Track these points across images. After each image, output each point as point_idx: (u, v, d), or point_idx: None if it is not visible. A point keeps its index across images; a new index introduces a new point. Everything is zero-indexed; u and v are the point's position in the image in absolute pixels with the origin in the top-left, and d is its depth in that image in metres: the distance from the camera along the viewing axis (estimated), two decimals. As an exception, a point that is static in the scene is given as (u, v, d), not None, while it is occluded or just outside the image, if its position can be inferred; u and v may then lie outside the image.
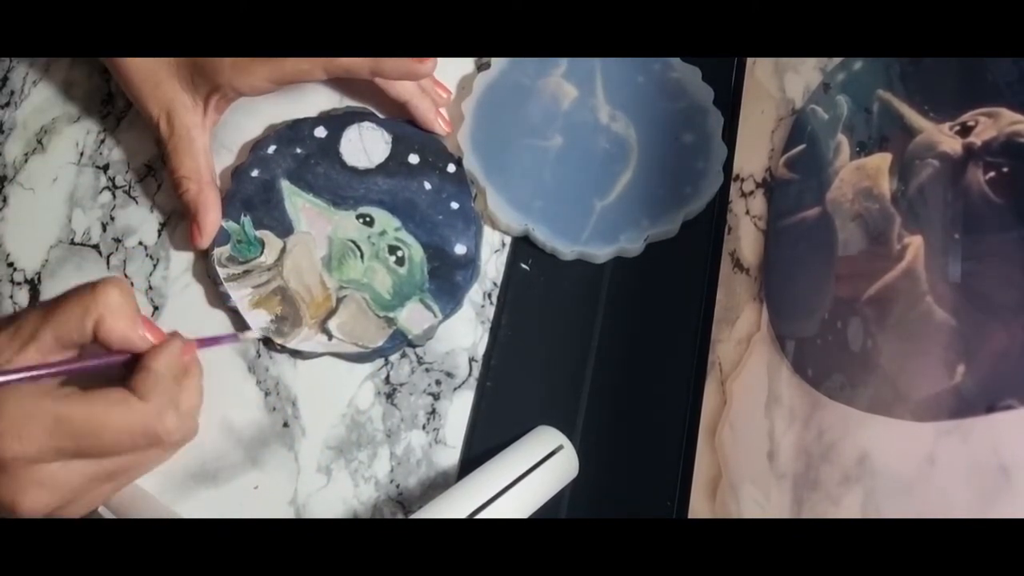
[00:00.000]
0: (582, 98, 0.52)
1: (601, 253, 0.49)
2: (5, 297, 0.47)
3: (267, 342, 0.46)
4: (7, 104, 0.51)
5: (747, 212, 0.49)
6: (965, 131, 0.37)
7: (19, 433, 0.34)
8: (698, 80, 0.53)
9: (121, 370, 0.38)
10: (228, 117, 0.49)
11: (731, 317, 0.47)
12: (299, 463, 0.45)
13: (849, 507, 0.36)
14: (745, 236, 0.48)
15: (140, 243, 0.49)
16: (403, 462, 0.45)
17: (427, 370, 0.47)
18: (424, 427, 0.46)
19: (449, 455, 0.46)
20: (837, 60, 0.47)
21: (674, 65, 0.53)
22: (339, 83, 0.52)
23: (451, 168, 0.50)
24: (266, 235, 0.48)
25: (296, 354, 0.46)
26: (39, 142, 0.50)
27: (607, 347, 0.48)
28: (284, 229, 0.48)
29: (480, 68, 0.54)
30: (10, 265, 0.48)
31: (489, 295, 0.49)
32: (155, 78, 0.46)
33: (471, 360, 0.48)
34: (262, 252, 0.47)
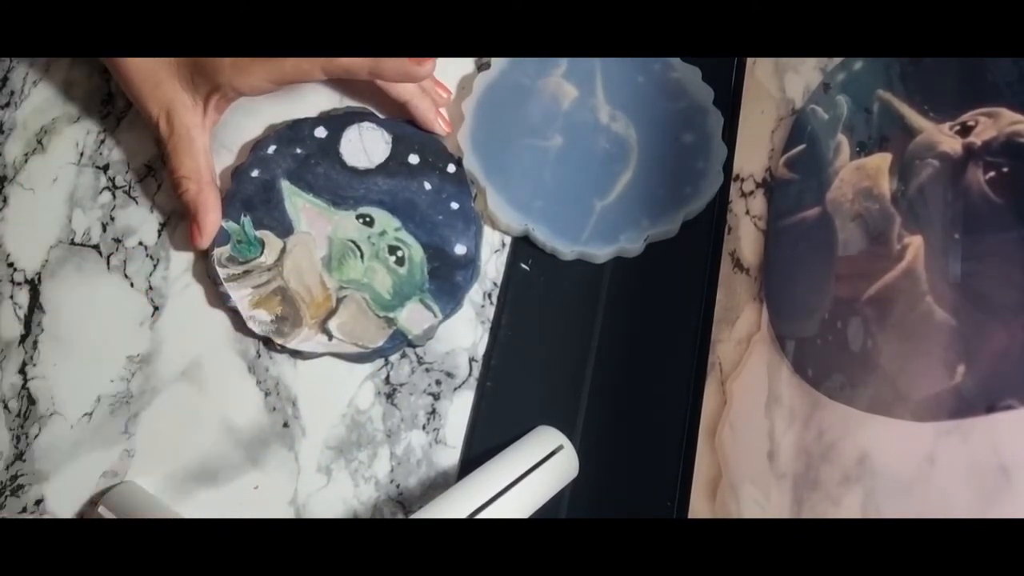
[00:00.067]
0: (582, 98, 0.52)
1: (601, 253, 0.49)
2: (5, 297, 0.47)
3: (267, 342, 0.46)
4: (7, 104, 0.51)
5: (747, 212, 0.49)
6: (965, 131, 0.37)
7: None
8: (698, 80, 0.53)
9: None
10: (228, 117, 0.49)
11: (731, 317, 0.47)
12: (299, 463, 0.45)
13: (849, 507, 0.36)
14: (745, 236, 0.48)
15: (140, 243, 0.49)
16: (403, 462, 0.45)
17: (427, 370, 0.47)
18: (424, 427, 0.46)
19: (449, 455, 0.46)
20: (837, 60, 0.47)
21: (674, 65, 0.53)
22: (339, 83, 0.52)
23: (451, 168, 0.50)
24: (266, 235, 0.48)
25: (296, 354, 0.46)
26: (39, 142, 0.50)
27: (607, 347, 0.48)
28: (284, 229, 0.48)
29: (480, 68, 0.54)
30: (10, 265, 0.48)
31: (489, 295, 0.49)
32: (155, 78, 0.46)
33: (471, 360, 0.48)
34: (262, 252, 0.47)
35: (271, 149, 0.49)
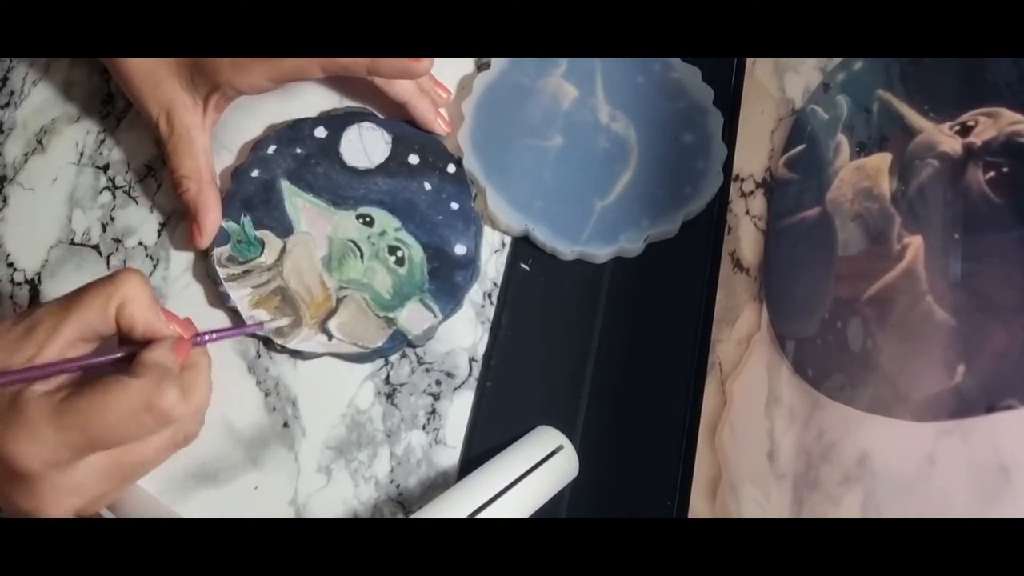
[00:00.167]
0: (582, 98, 0.52)
1: (601, 253, 0.49)
2: (5, 297, 0.47)
3: (267, 342, 0.46)
4: (7, 104, 0.51)
5: (747, 212, 0.49)
6: (965, 131, 0.37)
7: (30, 434, 0.34)
8: (698, 80, 0.53)
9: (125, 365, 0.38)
10: (228, 117, 0.49)
11: (731, 317, 0.47)
12: (299, 463, 0.45)
13: (849, 507, 0.36)
14: (745, 236, 0.48)
15: (140, 243, 0.49)
16: (403, 462, 0.45)
17: (427, 370, 0.47)
18: (424, 427, 0.46)
19: (449, 455, 0.46)
20: (837, 60, 0.47)
21: (674, 65, 0.53)
22: (339, 83, 0.52)
23: (451, 168, 0.50)
24: (266, 235, 0.48)
25: (296, 354, 0.46)
26: (39, 142, 0.50)
27: (607, 347, 0.48)
28: (284, 229, 0.48)
29: (480, 68, 0.54)
30: (10, 265, 0.48)
31: (489, 295, 0.49)
32: (155, 78, 0.46)
33: (471, 360, 0.48)
34: (262, 252, 0.47)
35: (271, 149, 0.49)
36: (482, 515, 0.40)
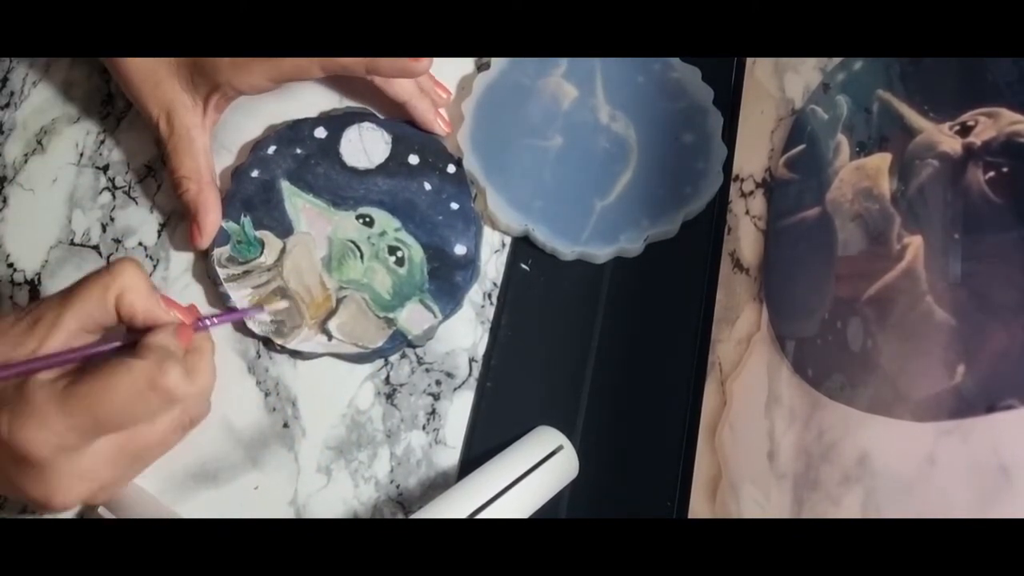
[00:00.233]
0: (582, 98, 0.52)
1: (601, 253, 0.49)
2: (5, 297, 0.47)
3: (267, 342, 0.46)
4: (7, 105, 0.51)
5: (747, 212, 0.49)
6: (965, 131, 0.37)
7: (39, 421, 0.34)
8: (698, 80, 0.53)
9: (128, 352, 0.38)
10: (228, 117, 0.49)
11: (731, 317, 0.47)
12: (299, 463, 0.45)
13: (849, 507, 0.36)
14: (745, 236, 0.48)
15: (140, 243, 0.49)
16: (403, 462, 0.45)
17: (427, 370, 0.47)
18: (424, 427, 0.46)
19: (449, 455, 0.46)
20: (837, 60, 0.47)
21: (674, 65, 0.53)
22: (339, 84, 0.52)
23: (451, 168, 0.50)
24: (266, 235, 0.48)
25: (296, 354, 0.46)
26: (39, 143, 0.50)
27: (607, 347, 0.48)
28: (284, 229, 0.48)
29: (480, 68, 0.54)
30: (10, 266, 0.48)
31: (489, 295, 0.49)
32: (155, 78, 0.46)
33: (471, 360, 0.48)
34: (262, 252, 0.47)
35: (271, 149, 0.49)
36: (482, 515, 0.40)
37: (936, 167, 0.38)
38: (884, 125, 0.42)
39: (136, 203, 0.50)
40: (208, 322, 0.41)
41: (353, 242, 0.48)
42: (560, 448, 0.44)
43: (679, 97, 0.52)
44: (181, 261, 0.48)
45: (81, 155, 0.50)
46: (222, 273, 0.47)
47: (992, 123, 0.36)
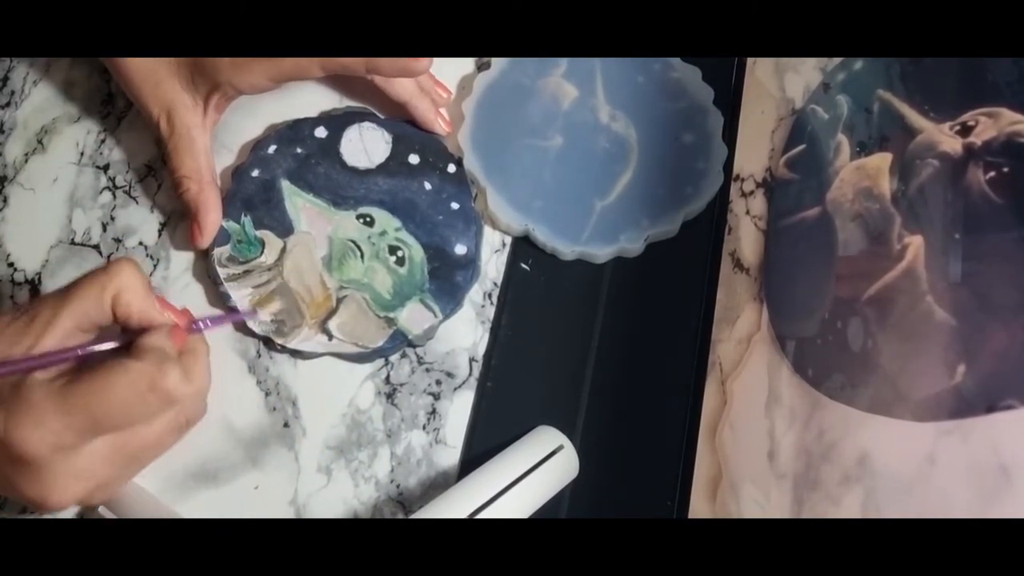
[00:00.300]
0: (582, 98, 0.52)
1: (601, 253, 0.49)
2: (5, 297, 0.47)
3: (267, 342, 0.46)
4: (7, 104, 0.51)
5: (747, 212, 0.49)
6: (965, 131, 0.37)
7: (35, 419, 0.34)
8: (698, 80, 0.53)
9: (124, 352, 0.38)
10: (228, 117, 0.49)
11: (731, 317, 0.47)
12: (299, 463, 0.45)
13: (849, 507, 0.36)
14: (745, 236, 0.48)
15: (140, 243, 0.49)
16: (403, 462, 0.45)
17: (427, 370, 0.47)
18: (424, 427, 0.46)
19: (449, 455, 0.46)
20: (837, 60, 0.47)
21: (674, 65, 0.53)
22: (339, 83, 0.52)
23: (451, 168, 0.50)
24: (266, 235, 0.48)
25: (296, 354, 0.46)
26: (39, 142, 0.50)
27: (607, 347, 0.48)
28: (284, 229, 0.48)
29: (480, 68, 0.54)
30: (10, 265, 0.48)
31: (489, 295, 0.49)
32: (155, 78, 0.46)
33: (471, 360, 0.48)
34: (262, 252, 0.47)
35: (271, 149, 0.49)
36: (482, 515, 0.40)
37: (936, 167, 0.38)
38: (884, 125, 0.42)
39: (137, 203, 0.50)
40: (203, 324, 0.41)
41: (353, 242, 0.48)
42: (560, 448, 0.44)
43: (679, 97, 0.52)
44: (181, 261, 0.48)
45: (82, 154, 0.50)
46: (222, 273, 0.47)
47: (992, 123, 0.36)
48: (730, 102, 0.53)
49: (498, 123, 0.51)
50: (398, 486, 0.45)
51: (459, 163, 0.50)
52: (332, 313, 0.46)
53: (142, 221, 0.49)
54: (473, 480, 0.41)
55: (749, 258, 0.47)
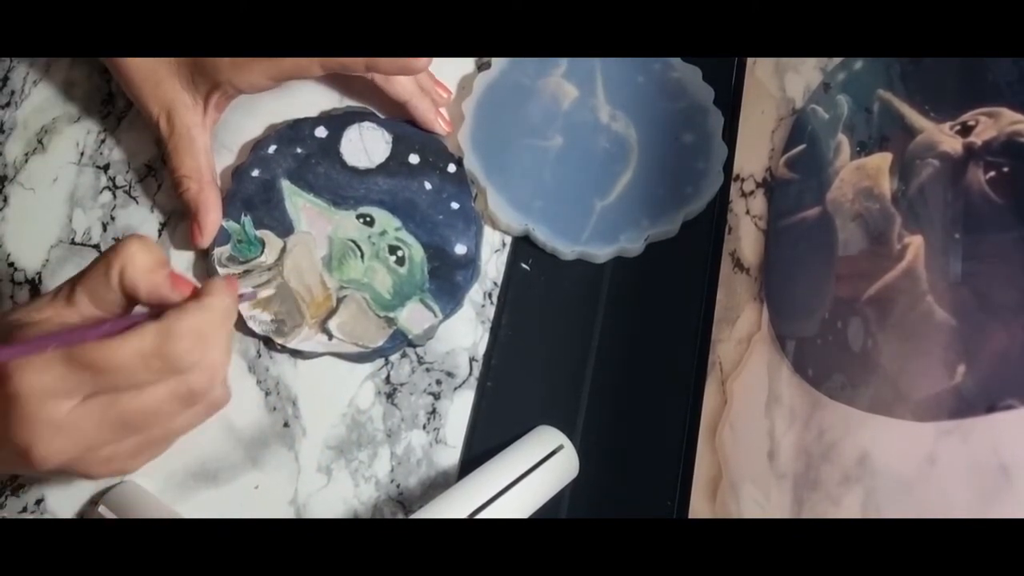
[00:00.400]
0: (582, 98, 0.52)
1: (601, 253, 0.49)
2: (5, 297, 0.47)
3: (267, 342, 0.46)
4: (7, 104, 0.51)
5: (747, 212, 0.49)
6: (965, 131, 0.37)
7: (36, 364, 0.33)
8: (698, 80, 0.53)
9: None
10: (228, 117, 0.49)
11: (731, 317, 0.47)
12: (299, 463, 0.45)
13: (849, 507, 0.36)
14: (745, 236, 0.48)
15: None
16: (403, 462, 0.45)
17: (427, 370, 0.47)
18: (424, 427, 0.46)
19: (449, 455, 0.46)
20: (837, 60, 0.47)
21: (674, 65, 0.53)
22: (339, 83, 0.52)
23: (451, 168, 0.50)
24: (266, 235, 0.48)
25: (296, 354, 0.46)
26: (39, 142, 0.50)
27: (607, 347, 0.48)
28: (284, 229, 0.48)
29: (480, 68, 0.54)
30: (11, 265, 0.48)
31: (489, 295, 0.49)
32: (155, 77, 0.46)
33: (471, 360, 0.48)
34: (262, 252, 0.47)
35: (271, 149, 0.49)
36: (482, 515, 0.40)
37: (937, 167, 0.38)
38: (885, 125, 0.42)
39: (137, 202, 0.50)
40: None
41: (353, 241, 0.48)
42: (560, 448, 0.44)
43: (679, 97, 0.52)
44: (182, 260, 0.48)
45: (82, 154, 0.50)
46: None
47: (993, 123, 0.36)
48: (730, 102, 0.53)
49: (498, 123, 0.51)
50: (398, 486, 0.45)
51: (459, 163, 0.50)
52: (332, 313, 0.46)
53: (142, 221, 0.49)
54: (473, 480, 0.41)
55: (749, 258, 0.47)
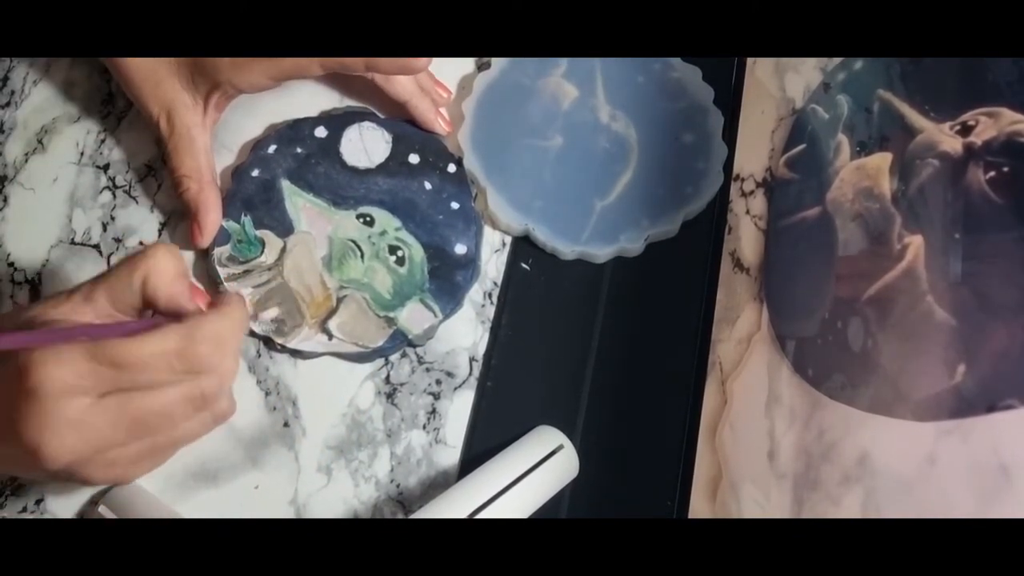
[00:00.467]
0: (582, 98, 0.52)
1: (601, 253, 0.49)
2: (5, 297, 0.47)
3: (267, 341, 0.46)
4: (7, 104, 0.51)
5: (747, 212, 0.49)
6: (965, 131, 0.37)
7: (57, 357, 0.34)
8: (698, 80, 0.53)
9: None
10: (228, 117, 0.49)
11: (731, 317, 0.47)
12: (299, 463, 0.45)
13: (849, 507, 0.36)
14: (745, 236, 0.48)
15: (140, 243, 0.49)
16: (403, 462, 0.45)
17: (427, 370, 0.47)
18: (424, 427, 0.46)
19: (449, 455, 0.46)
20: (837, 60, 0.47)
21: (674, 65, 0.53)
22: (339, 83, 0.52)
23: (451, 168, 0.50)
24: (266, 235, 0.48)
25: (296, 354, 0.46)
26: (39, 142, 0.50)
27: (607, 347, 0.48)
28: (284, 229, 0.48)
29: (480, 68, 0.54)
30: (10, 265, 0.48)
31: (489, 295, 0.49)
32: (155, 77, 0.46)
33: (471, 360, 0.48)
34: (262, 252, 0.47)
35: (271, 149, 0.49)
36: (482, 515, 0.40)
37: (937, 167, 0.38)
38: (885, 125, 0.42)
39: (137, 202, 0.50)
40: None
41: (353, 241, 0.48)
42: (560, 447, 0.44)
43: (679, 97, 0.52)
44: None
45: (82, 154, 0.50)
46: (222, 272, 0.47)
47: (993, 123, 0.36)
48: (730, 102, 0.53)
49: (498, 123, 0.51)
50: (398, 486, 0.45)
51: (459, 163, 0.50)
52: (332, 313, 0.46)
53: (142, 221, 0.49)
54: (473, 480, 0.41)
55: (749, 258, 0.47)
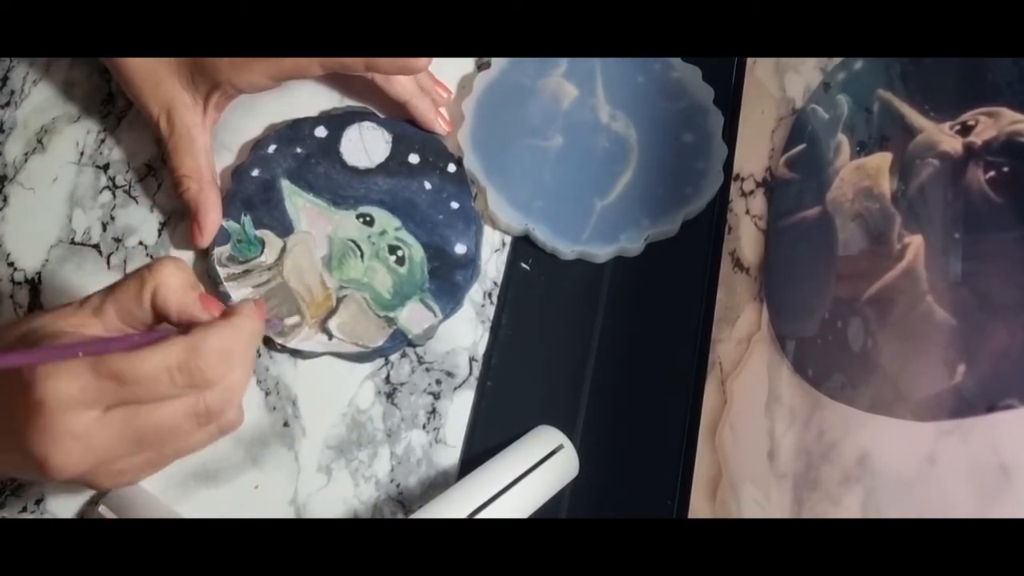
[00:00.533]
0: (582, 98, 0.52)
1: (601, 253, 0.49)
2: (5, 297, 0.47)
3: (267, 341, 0.46)
4: (7, 104, 0.51)
5: (747, 212, 0.49)
6: (965, 130, 0.37)
7: (63, 371, 0.33)
8: (698, 80, 0.53)
9: None
10: (228, 117, 0.49)
11: (731, 317, 0.47)
12: (299, 463, 0.45)
13: (849, 507, 0.36)
14: (745, 236, 0.48)
15: (140, 243, 0.49)
16: (403, 461, 0.45)
17: (427, 370, 0.47)
18: (424, 427, 0.46)
19: (449, 454, 0.46)
20: (837, 60, 0.47)
21: (674, 65, 0.53)
22: (339, 83, 0.52)
23: (451, 168, 0.50)
24: (266, 235, 0.48)
25: (296, 354, 0.46)
26: (39, 142, 0.50)
27: (607, 347, 0.48)
28: (284, 229, 0.48)
29: (480, 68, 0.54)
30: (10, 265, 0.48)
31: (489, 295, 0.49)
32: (155, 77, 0.46)
33: (471, 360, 0.48)
34: (262, 252, 0.47)
35: (271, 148, 0.49)
36: (482, 515, 0.40)
37: (936, 167, 0.38)
38: (885, 125, 0.42)
39: (136, 202, 0.50)
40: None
41: (353, 241, 0.48)
42: (560, 447, 0.44)
43: (679, 97, 0.52)
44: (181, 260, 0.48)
45: (81, 154, 0.50)
46: (222, 272, 0.47)
47: (992, 123, 0.36)
48: (730, 102, 0.53)
49: (498, 123, 0.51)
50: (398, 486, 0.45)
51: (459, 163, 0.50)
52: (332, 313, 0.46)
53: (142, 221, 0.49)
54: (473, 480, 0.41)
55: (749, 258, 0.47)
